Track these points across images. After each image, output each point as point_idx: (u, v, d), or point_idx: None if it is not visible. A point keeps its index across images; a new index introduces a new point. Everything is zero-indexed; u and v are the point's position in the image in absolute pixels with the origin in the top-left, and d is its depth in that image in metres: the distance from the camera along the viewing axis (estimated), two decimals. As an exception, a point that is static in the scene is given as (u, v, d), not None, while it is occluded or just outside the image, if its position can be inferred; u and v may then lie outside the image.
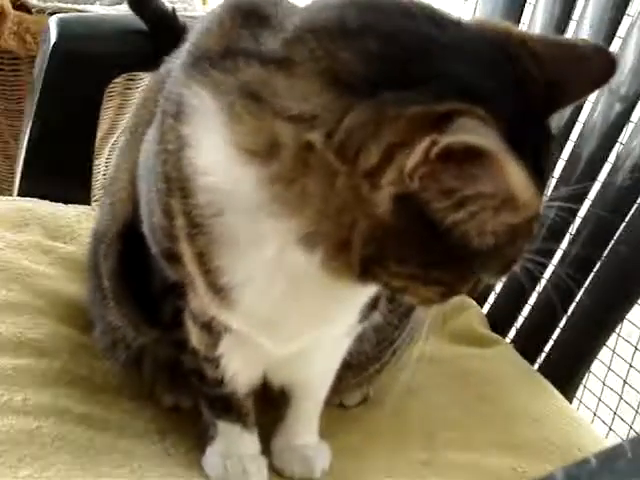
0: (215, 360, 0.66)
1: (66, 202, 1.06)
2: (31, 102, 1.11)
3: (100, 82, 1.09)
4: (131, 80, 1.59)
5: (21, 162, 1.10)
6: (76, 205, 1.05)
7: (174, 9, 1.08)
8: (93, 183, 1.13)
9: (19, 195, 1.08)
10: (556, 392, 0.91)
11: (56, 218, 1.01)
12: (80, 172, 1.09)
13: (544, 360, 0.98)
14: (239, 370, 0.67)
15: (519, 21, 1.05)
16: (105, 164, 1.75)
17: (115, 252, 0.70)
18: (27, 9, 1.52)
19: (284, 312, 0.58)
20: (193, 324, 0.64)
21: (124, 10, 1.52)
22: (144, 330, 0.71)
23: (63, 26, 1.09)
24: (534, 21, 1.01)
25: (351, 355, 0.72)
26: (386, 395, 0.83)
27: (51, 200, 1.05)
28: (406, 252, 0.48)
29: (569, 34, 0.98)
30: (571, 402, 0.95)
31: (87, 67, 1.06)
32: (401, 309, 0.70)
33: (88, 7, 1.53)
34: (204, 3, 1.65)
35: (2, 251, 0.90)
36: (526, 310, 1.03)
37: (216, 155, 0.52)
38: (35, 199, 1.04)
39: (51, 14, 1.47)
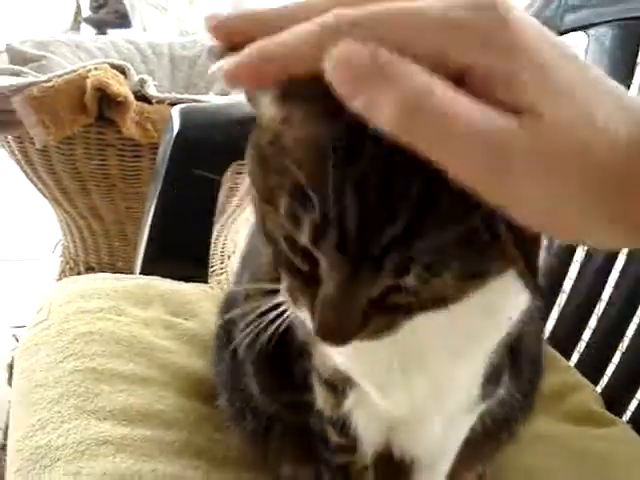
0: (339, 421, 0.67)
1: (186, 280, 1.11)
2: (154, 187, 1.18)
3: (219, 167, 1.15)
4: (241, 165, 1.66)
5: (143, 244, 1.16)
6: (195, 284, 1.11)
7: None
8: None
9: (141, 274, 1.14)
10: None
11: (177, 296, 1.06)
12: (199, 252, 1.15)
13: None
14: (362, 432, 0.68)
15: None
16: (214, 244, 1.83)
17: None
18: (147, 99, 1.62)
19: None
20: (318, 383, 0.67)
21: (235, 99, 1.61)
22: (277, 395, 0.74)
23: (185, 116, 1.16)
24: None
25: (471, 431, 0.71)
26: (502, 477, 0.82)
27: (172, 278, 1.11)
28: None
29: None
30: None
31: (207, 153, 1.13)
32: (526, 386, 0.70)
33: (203, 97, 1.62)
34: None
35: (129, 327, 0.95)
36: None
37: None
38: (157, 277, 1.11)
39: (170, 104, 1.57)
